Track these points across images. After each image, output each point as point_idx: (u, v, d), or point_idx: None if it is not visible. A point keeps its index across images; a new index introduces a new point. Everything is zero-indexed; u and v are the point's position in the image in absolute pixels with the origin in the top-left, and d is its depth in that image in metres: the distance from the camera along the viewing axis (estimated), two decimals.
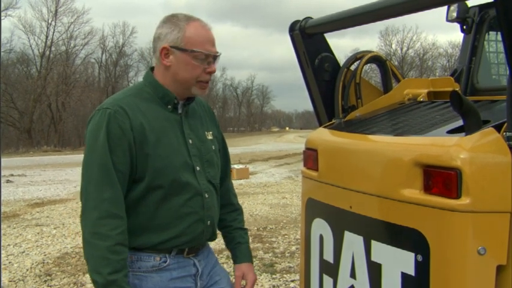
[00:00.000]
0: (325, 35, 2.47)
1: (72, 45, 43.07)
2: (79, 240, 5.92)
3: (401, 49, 49.43)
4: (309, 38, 2.42)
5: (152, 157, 1.55)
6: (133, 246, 1.55)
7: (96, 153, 1.51)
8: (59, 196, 9.50)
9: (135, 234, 1.55)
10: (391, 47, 49.42)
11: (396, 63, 47.14)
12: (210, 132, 1.76)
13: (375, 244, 1.79)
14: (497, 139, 1.53)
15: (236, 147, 27.66)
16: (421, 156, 1.64)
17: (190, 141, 1.65)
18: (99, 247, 1.47)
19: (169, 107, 1.64)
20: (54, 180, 12.41)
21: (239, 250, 1.86)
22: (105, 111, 1.53)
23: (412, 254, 1.61)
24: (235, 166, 12.74)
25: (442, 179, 1.55)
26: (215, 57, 1.63)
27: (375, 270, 1.80)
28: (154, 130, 1.57)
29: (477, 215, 1.49)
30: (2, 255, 5.10)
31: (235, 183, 11.28)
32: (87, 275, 4.63)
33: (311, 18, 2.41)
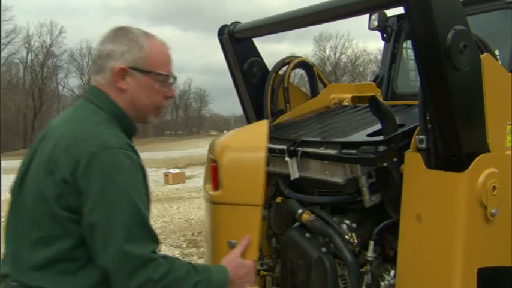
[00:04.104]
0: (264, 39, 2.51)
1: None
2: None
3: (335, 55, 51.18)
4: (238, 43, 2.44)
5: None
6: None
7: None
8: None
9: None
10: (325, 52, 51.02)
11: (330, 68, 48.72)
12: None
13: None
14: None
15: (173, 151, 27.20)
16: None
17: None
18: (176, 272, 1.30)
19: (132, 139, 1.44)
20: None
21: None
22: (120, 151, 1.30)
23: None
24: (171, 171, 12.52)
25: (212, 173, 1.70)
26: (174, 79, 1.47)
27: None
28: None
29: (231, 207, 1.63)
30: None
31: (172, 187, 11.08)
32: None
33: (239, 22, 2.42)
